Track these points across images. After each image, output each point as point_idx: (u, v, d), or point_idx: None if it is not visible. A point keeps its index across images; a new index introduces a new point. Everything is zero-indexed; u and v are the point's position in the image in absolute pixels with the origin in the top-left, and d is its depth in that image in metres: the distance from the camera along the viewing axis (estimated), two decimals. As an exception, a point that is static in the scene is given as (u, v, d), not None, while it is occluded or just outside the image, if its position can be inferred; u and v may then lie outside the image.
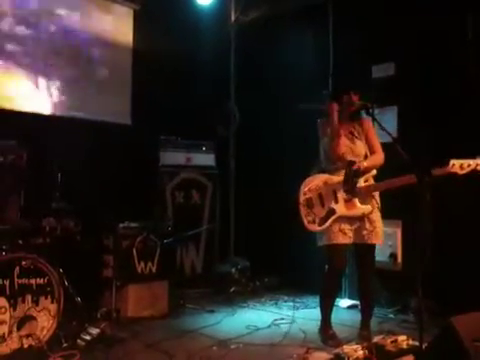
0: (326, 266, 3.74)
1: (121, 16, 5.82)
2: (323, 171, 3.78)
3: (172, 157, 5.67)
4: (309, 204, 3.71)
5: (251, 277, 5.60)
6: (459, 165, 3.14)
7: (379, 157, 3.69)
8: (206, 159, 5.91)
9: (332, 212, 3.61)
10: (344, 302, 4.88)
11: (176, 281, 4.81)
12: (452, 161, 3.15)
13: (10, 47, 4.90)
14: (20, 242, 3.68)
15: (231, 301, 5.03)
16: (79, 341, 3.51)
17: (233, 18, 6.43)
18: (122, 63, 5.80)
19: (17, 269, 3.35)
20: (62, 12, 5.25)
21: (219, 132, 6.20)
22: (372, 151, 3.71)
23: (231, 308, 4.79)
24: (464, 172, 3.13)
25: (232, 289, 5.35)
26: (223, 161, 6.11)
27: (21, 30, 4.98)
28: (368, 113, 3.63)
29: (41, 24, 5.12)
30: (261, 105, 5.93)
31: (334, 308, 3.85)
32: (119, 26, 5.79)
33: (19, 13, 4.96)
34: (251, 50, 6.13)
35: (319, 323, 3.81)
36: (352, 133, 3.72)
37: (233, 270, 5.55)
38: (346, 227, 3.61)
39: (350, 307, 4.79)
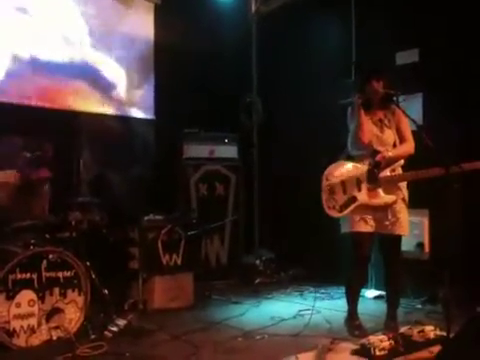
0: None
1: (142, 11, 5.85)
2: (350, 157, 3.74)
3: (195, 150, 5.69)
4: (331, 190, 3.68)
5: (276, 268, 5.60)
6: None
7: (408, 147, 3.61)
8: (229, 151, 5.92)
9: (353, 200, 3.57)
10: (370, 292, 4.84)
11: (201, 273, 4.84)
12: None
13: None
14: (47, 236, 3.76)
15: (256, 292, 5.04)
16: (106, 333, 3.57)
17: (254, 9, 6.38)
18: (144, 58, 5.83)
19: (45, 262, 3.43)
20: (83, 7, 5.29)
21: (243, 122, 6.16)
22: (402, 140, 3.63)
23: (256, 299, 4.80)
24: None
25: (257, 280, 5.37)
26: (246, 153, 6.10)
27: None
28: (392, 101, 3.57)
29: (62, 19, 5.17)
30: (284, 95, 5.89)
31: (360, 299, 3.82)
32: (140, 21, 5.82)
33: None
34: (272, 41, 6.09)
35: (345, 314, 3.78)
36: (381, 121, 3.65)
37: (258, 261, 5.56)
38: (368, 216, 3.57)
39: (376, 297, 4.74)
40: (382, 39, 4.97)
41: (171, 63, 5.66)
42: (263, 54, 6.27)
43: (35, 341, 3.33)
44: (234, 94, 6.03)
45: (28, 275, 3.34)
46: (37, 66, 4.95)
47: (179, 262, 4.58)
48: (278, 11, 6.09)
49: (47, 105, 4.97)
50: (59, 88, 5.10)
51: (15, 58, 4.84)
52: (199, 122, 5.62)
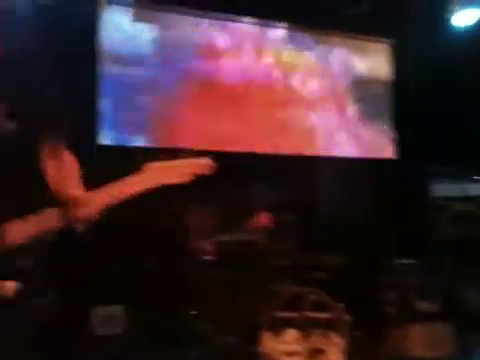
0: None
1: (377, 53, 5.88)
2: None
3: (444, 188, 5.35)
4: None
5: None
6: None
7: None
8: (482, 189, 5.40)
9: None
10: None
11: (462, 322, 4.42)
12: None
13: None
14: (306, 277, 3.88)
15: None
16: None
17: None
18: (381, 98, 5.81)
19: (306, 303, 3.53)
20: (318, 55, 5.54)
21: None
22: None
23: None
24: None
25: None
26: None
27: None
28: None
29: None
30: None
31: None
32: (376, 63, 5.85)
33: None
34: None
35: None
36: None
37: None
38: None
39: None
40: None
41: (411, 100, 5.51)
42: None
43: (298, 379, 3.42)
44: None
45: (292, 314, 3.48)
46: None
47: (436, 310, 4.27)
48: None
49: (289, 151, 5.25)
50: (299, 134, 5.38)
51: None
52: (447, 159, 5.28)
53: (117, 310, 3.94)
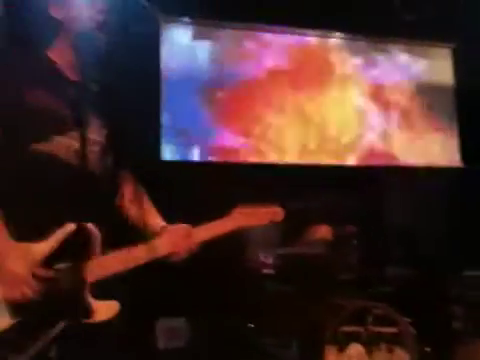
0: None
1: (438, 58, 5.74)
2: None
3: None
4: None
5: None
6: None
7: None
8: None
9: None
10: None
11: None
12: None
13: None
14: (368, 290, 3.80)
15: None
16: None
17: None
18: (444, 104, 5.65)
19: (370, 317, 3.45)
20: (379, 62, 5.46)
21: None
22: None
23: None
24: None
25: None
26: None
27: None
28: None
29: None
30: None
31: None
32: (437, 68, 5.71)
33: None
34: None
35: None
36: None
37: None
38: None
39: None
40: None
41: (476, 106, 5.32)
42: None
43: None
44: None
45: (356, 328, 3.41)
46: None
47: (510, 325, 4.06)
48: None
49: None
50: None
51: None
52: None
53: (180, 323, 4.00)
